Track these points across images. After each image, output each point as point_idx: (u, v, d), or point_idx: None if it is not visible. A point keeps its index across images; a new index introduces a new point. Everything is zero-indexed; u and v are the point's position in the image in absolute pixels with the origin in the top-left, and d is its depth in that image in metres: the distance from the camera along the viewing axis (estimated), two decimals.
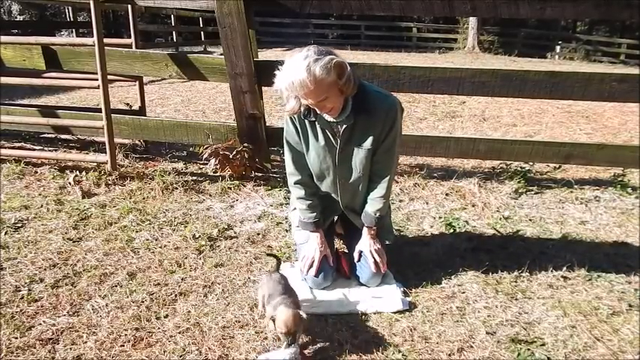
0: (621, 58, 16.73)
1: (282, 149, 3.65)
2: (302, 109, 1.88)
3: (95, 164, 3.44)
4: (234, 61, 3.05)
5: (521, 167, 3.49)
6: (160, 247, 2.47)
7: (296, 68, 1.70)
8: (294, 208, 2.27)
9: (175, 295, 2.05)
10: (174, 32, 14.01)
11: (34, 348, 1.73)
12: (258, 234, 2.63)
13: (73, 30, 12.57)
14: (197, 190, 3.18)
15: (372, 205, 2.09)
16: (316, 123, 1.94)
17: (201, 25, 14.74)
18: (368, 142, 1.96)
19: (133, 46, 3.60)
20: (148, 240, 2.53)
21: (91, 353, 1.71)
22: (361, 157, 1.99)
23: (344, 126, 1.92)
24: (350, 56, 12.64)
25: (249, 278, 2.20)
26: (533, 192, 3.24)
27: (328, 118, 1.90)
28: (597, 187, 3.33)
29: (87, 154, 3.77)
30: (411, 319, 1.92)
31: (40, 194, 3.06)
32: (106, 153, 3.31)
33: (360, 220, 2.14)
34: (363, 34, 18.80)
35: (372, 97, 1.91)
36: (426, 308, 1.98)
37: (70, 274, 2.20)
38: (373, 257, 2.07)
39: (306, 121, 1.96)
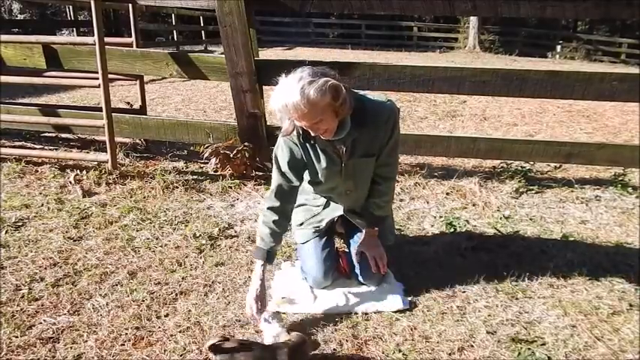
0: (622, 58, 16.71)
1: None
2: (297, 130, 1.83)
3: (96, 163, 3.44)
4: (235, 60, 3.05)
5: (521, 167, 3.49)
6: (161, 246, 2.47)
7: (289, 90, 1.65)
8: (296, 206, 2.26)
9: (176, 294, 2.05)
10: (174, 31, 14.02)
11: (35, 347, 1.73)
12: None
13: (74, 29, 12.55)
14: (198, 189, 3.18)
15: (376, 206, 2.08)
16: (316, 145, 1.90)
17: (202, 24, 14.73)
18: (373, 151, 1.94)
19: (134, 45, 3.59)
20: (148, 239, 2.53)
21: (91, 352, 1.71)
22: (366, 167, 1.98)
23: (346, 143, 1.88)
24: (351, 55, 12.71)
25: (249, 277, 2.19)
26: (533, 191, 3.24)
27: (327, 137, 1.86)
28: (598, 187, 3.32)
29: (87, 153, 3.78)
30: (411, 318, 1.92)
31: (40, 193, 3.06)
32: (106, 152, 3.31)
33: (362, 221, 2.13)
34: (363, 33, 18.77)
35: (369, 107, 1.87)
36: (427, 307, 1.98)
37: (71, 273, 2.20)
38: (374, 258, 2.07)
39: (307, 145, 1.91)
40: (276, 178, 1.97)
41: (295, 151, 1.92)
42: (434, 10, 2.96)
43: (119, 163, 3.43)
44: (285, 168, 1.93)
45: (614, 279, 2.20)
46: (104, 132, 3.26)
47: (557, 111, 5.97)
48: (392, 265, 2.15)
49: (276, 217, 1.94)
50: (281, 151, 1.94)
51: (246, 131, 3.32)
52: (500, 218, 2.84)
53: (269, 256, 1.94)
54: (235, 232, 2.65)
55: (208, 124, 3.51)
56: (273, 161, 1.97)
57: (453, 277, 2.19)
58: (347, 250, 2.32)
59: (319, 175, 1.98)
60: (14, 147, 3.86)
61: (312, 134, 1.81)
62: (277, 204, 1.96)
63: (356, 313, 1.94)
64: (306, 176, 2.05)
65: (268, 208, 1.96)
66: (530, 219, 2.86)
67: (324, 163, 1.93)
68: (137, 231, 2.61)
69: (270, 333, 1.72)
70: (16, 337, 1.77)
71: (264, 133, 3.33)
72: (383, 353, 1.72)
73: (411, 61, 10.68)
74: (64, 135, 4.14)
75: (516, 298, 2.06)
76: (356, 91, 1.90)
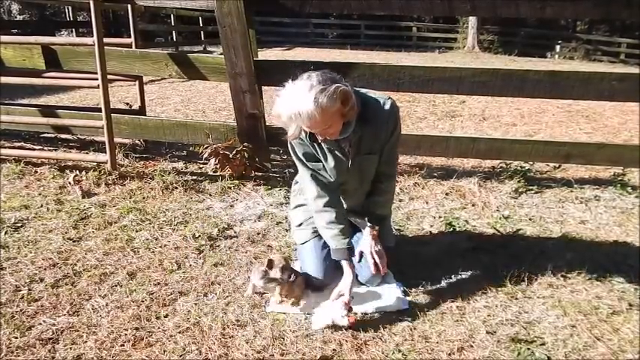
0: (621, 58, 16.75)
1: (282, 149, 3.61)
2: (303, 131, 1.85)
3: (95, 164, 3.43)
4: (234, 61, 3.05)
5: (521, 167, 3.49)
6: (160, 247, 2.47)
7: (302, 99, 1.65)
8: (295, 207, 2.27)
9: (175, 295, 2.05)
10: (174, 32, 14.02)
11: (34, 348, 1.73)
12: (259, 233, 2.63)
13: (73, 29, 12.56)
14: (197, 190, 3.18)
15: (378, 205, 2.08)
16: (323, 145, 1.92)
17: (201, 25, 14.73)
18: (376, 149, 1.96)
19: (133, 46, 3.59)
20: (147, 239, 2.53)
21: (91, 353, 1.71)
22: (371, 163, 1.99)
23: (351, 141, 1.90)
24: (350, 56, 12.71)
25: (249, 278, 2.19)
26: (533, 191, 3.24)
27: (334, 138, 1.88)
28: (597, 187, 3.32)
29: (87, 153, 3.77)
30: (410, 318, 1.92)
31: (40, 194, 3.06)
32: (105, 152, 3.31)
33: (362, 221, 2.13)
34: (363, 33, 18.80)
35: (371, 105, 1.89)
36: (426, 307, 1.98)
37: (70, 273, 2.20)
38: (374, 258, 2.06)
39: (314, 145, 1.93)
40: (306, 176, 2.00)
41: (307, 146, 1.95)
42: (433, 10, 2.97)
43: (118, 163, 3.42)
44: (306, 161, 1.97)
45: (613, 279, 2.20)
46: (103, 132, 3.26)
47: (557, 111, 5.98)
48: (391, 266, 2.15)
49: (335, 214, 1.98)
50: (296, 150, 1.97)
51: (245, 132, 3.32)
52: (500, 218, 2.84)
53: (352, 251, 1.99)
54: (235, 232, 2.65)
55: (207, 124, 3.51)
56: (295, 161, 2.00)
57: (452, 277, 2.19)
58: None
59: (328, 174, 2.00)
60: (13, 148, 3.85)
61: (320, 138, 1.83)
62: (327, 197, 1.98)
63: (355, 313, 1.94)
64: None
65: (325, 206, 1.98)
66: (530, 219, 2.86)
67: (331, 163, 1.95)
68: (136, 231, 2.61)
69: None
70: (16, 337, 1.77)
71: (263, 134, 3.33)
72: (382, 353, 1.72)
73: (410, 61, 10.68)
74: (63, 136, 4.13)
75: (516, 298, 2.06)
76: (357, 89, 1.91)
